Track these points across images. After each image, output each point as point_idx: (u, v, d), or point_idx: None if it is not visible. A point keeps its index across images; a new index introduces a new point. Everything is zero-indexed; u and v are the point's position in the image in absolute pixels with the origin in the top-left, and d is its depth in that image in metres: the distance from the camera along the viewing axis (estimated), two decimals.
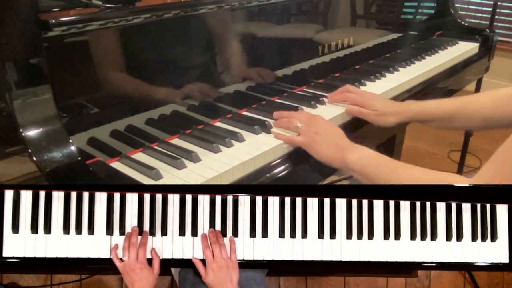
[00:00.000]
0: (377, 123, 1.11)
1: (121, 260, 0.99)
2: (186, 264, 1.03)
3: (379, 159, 0.92)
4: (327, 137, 0.95)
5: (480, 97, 1.11)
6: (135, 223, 1.03)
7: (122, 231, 1.02)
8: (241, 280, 1.05)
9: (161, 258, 1.02)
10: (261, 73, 1.16)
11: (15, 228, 0.99)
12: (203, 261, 1.02)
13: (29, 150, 0.72)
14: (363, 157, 0.92)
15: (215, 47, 1.05)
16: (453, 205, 1.15)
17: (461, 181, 0.84)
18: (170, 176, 0.82)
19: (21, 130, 0.73)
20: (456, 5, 1.95)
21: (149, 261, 1.00)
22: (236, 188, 1.05)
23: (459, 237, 1.14)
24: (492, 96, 1.09)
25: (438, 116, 1.11)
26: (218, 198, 1.06)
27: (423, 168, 0.88)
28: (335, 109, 1.13)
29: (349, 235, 1.10)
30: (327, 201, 1.10)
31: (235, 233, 1.06)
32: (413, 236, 1.12)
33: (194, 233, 1.04)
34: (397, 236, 1.12)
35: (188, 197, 1.05)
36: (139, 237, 1.01)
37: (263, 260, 1.07)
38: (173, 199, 1.05)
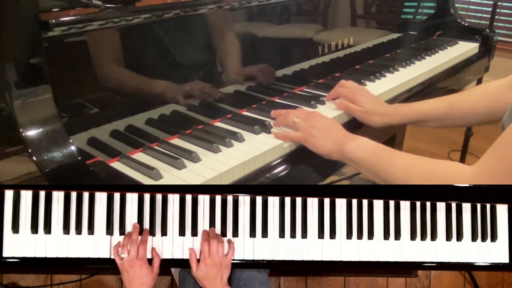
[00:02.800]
0: (363, 121, 1.10)
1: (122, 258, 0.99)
2: (186, 264, 1.02)
3: (378, 148, 0.91)
4: (324, 129, 0.95)
5: (469, 94, 1.11)
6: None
7: (122, 231, 1.02)
8: (244, 279, 1.05)
9: (161, 258, 1.02)
10: (262, 70, 1.16)
11: (15, 228, 0.99)
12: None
13: (29, 150, 0.72)
14: (361, 146, 0.91)
15: (215, 47, 1.05)
16: (453, 205, 1.15)
17: (460, 168, 0.83)
18: (170, 176, 0.82)
19: (21, 130, 0.73)
20: (456, 5, 1.95)
21: (149, 261, 1.00)
22: (236, 188, 1.05)
23: (459, 237, 1.14)
24: (480, 90, 1.09)
25: (429, 117, 1.11)
26: (218, 198, 1.06)
27: (422, 157, 0.88)
28: (334, 109, 1.13)
29: (349, 235, 1.10)
30: (327, 201, 1.10)
31: (235, 233, 1.06)
32: (413, 236, 1.12)
33: (194, 233, 1.04)
34: (397, 236, 1.12)
35: (188, 197, 1.05)
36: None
37: (263, 260, 1.07)
38: (173, 199, 1.05)
